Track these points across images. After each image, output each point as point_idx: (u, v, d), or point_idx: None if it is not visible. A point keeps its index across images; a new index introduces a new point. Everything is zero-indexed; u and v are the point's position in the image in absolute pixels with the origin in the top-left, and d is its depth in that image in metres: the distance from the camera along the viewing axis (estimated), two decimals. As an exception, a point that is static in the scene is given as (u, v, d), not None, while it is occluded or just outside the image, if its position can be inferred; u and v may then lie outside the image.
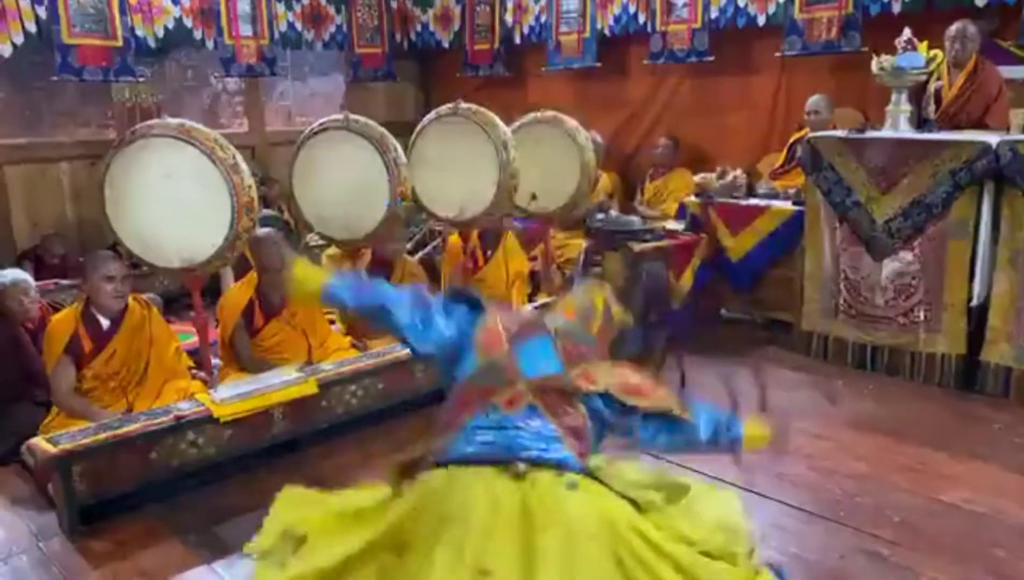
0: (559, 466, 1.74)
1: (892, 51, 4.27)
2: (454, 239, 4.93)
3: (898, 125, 4.29)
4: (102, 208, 3.45)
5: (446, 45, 7.44)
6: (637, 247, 4.84)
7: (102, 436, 3.01)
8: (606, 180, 6.09)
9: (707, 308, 5.19)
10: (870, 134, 4.32)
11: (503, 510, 1.64)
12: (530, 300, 4.89)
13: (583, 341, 2.05)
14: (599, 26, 6.35)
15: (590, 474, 1.80)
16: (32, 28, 5.25)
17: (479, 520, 1.62)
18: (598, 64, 6.41)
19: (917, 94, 4.43)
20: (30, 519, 3.08)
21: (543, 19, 6.72)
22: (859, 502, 3.05)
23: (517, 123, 4.76)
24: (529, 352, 1.95)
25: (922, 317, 4.18)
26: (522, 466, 1.71)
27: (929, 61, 4.27)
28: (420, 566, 1.61)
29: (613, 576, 1.63)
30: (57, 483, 2.97)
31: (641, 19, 6.12)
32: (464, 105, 4.31)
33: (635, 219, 5.42)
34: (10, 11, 5.16)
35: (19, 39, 5.21)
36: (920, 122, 4.40)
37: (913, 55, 4.22)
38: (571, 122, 4.77)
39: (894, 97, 4.31)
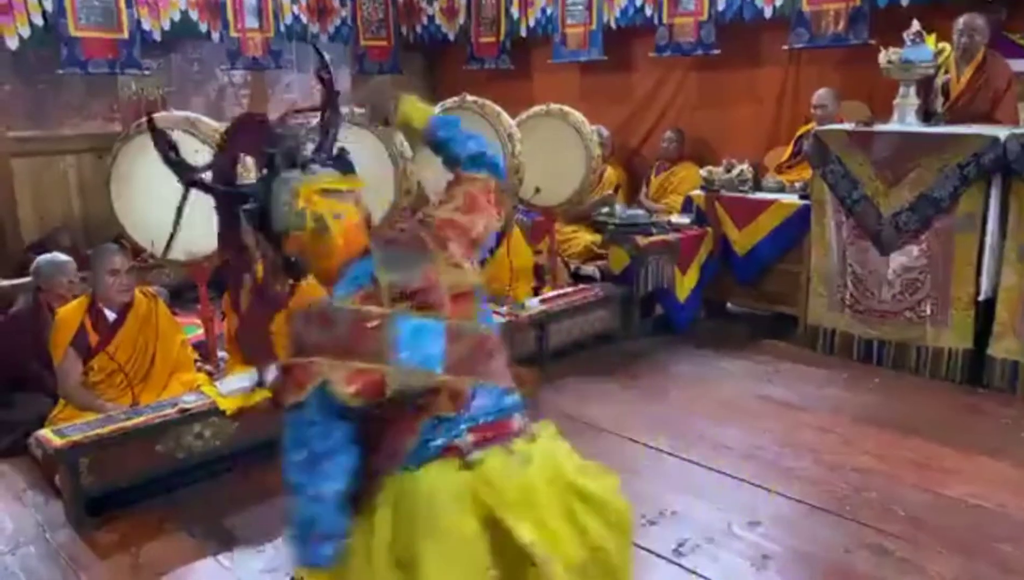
0: (509, 436, 1.57)
1: (900, 44, 4.25)
2: (460, 232, 4.91)
3: (905, 118, 4.27)
4: (108, 201, 3.45)
5: (452, 38, 7.42)
6: (642, 241, 4.84)
7: (108, 428, 3.02)
8: (611, 173, 6.08)
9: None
10: (877, 128, 4.30)
11: (472, 508, 1.49)
12: (535, 294, 4.88)
13: (412, 275, 1.58)
14: (605, 19, 6.32)
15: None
16: (38, 21, 5.25)
17: (454, 527, 1.48)
18: (604, 57, 6.38)
19: (925, 87, 4.41)
20: (37, 510, 3.10)
21: (549, 12, 6.69)
22: (865, 496, 3.05)
23: (522, 116, 4.74)
24: (408, 346, 1.51)
25: (929, 311, 4.16)
26: (474, 454, 1.52)
27: (937, 54, 4.24)
28: None
29: (571, 535, 1.53)
30: (64, 475, 2.98)
31: (648, 12, 6.09)
32: (470, 98, 4.30)
33: (640, 212, 5.41)
34: (16, 4, 5.16)
35: (25, 32, 5.22)
36: (928, 116, 4.38)
37: (921, 48, 4.19)
38: (576, 115, 4.75)
39: (902, 90, 4.29)
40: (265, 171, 1.63)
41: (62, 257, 3.93)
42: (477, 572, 1.47)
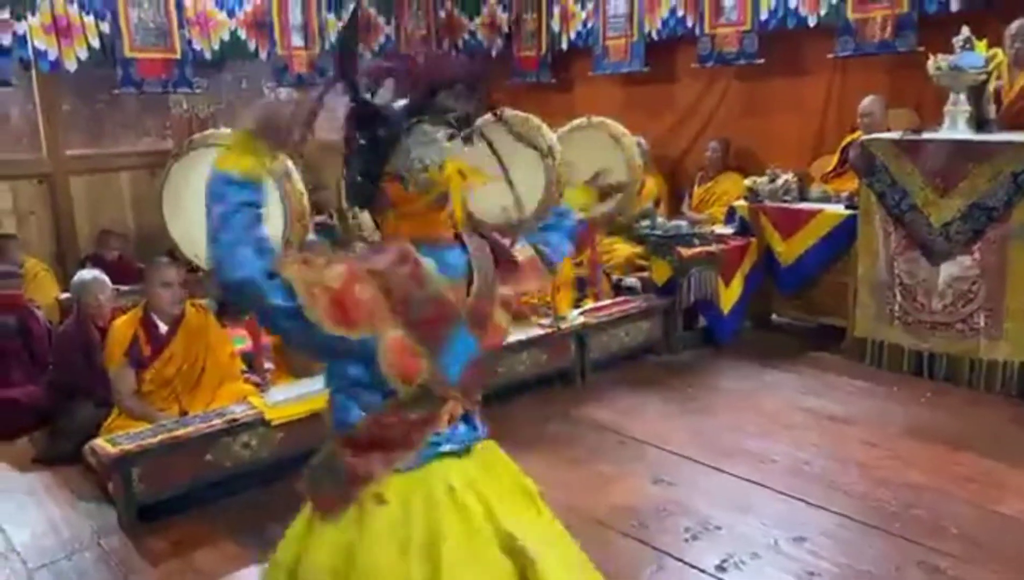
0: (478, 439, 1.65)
1: (949, 50, 4.16)
2: (500, 245, 4.93)
3: (956, 126, 4.17)
4: (160, 216, 3.56)
5: (493, 52, 7.48)
6: (685, 252, 4.80)
7: (160, 438, 3.10)
8: (652, 185, 6.05)
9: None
10: (926, 136, 4.21)
11: (479, 480, 1.58)
12: (577, 305, 4.87)
13: (485, 296, 1.58)
14: (647, 30, 6.31)
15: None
16: (96, 43, 5.45)
17: (465, 505, 1.52)
18: (646, 68, 6.38)
19: (976, 94, 4.30)
20: (91, 517, 3.19)
21: (590, 24, 6.71)
22: (915, 513, 2.98)
23: (563, 128, 4.75)
24: (453, 353, 1.52)
25: (982, 323, 4.05)
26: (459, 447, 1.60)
27: (989, 60, 4.14)
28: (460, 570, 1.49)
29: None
30: (117, 483, 3.07)
31: (689, 22, 6.07)
32: (510, 112, 4.33)
33: (683, 223, 5.38)
34: (75, 27, 5.36)
35: (84, 54, 5.41)
36: (981, 123, 4.27)
37: (971, 54, 4.10)
38: (617, 127, 4.75)
39: (952, 97, 4.20)
40: (412, 109, 1.53)
41: (89, 275, 4.08)
42: (493, 566, 1.51)
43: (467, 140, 1.57)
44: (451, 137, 1.53)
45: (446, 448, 1.56)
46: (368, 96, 1.56)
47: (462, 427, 1.60)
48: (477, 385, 1.63)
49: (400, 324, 1.43)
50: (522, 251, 1.80)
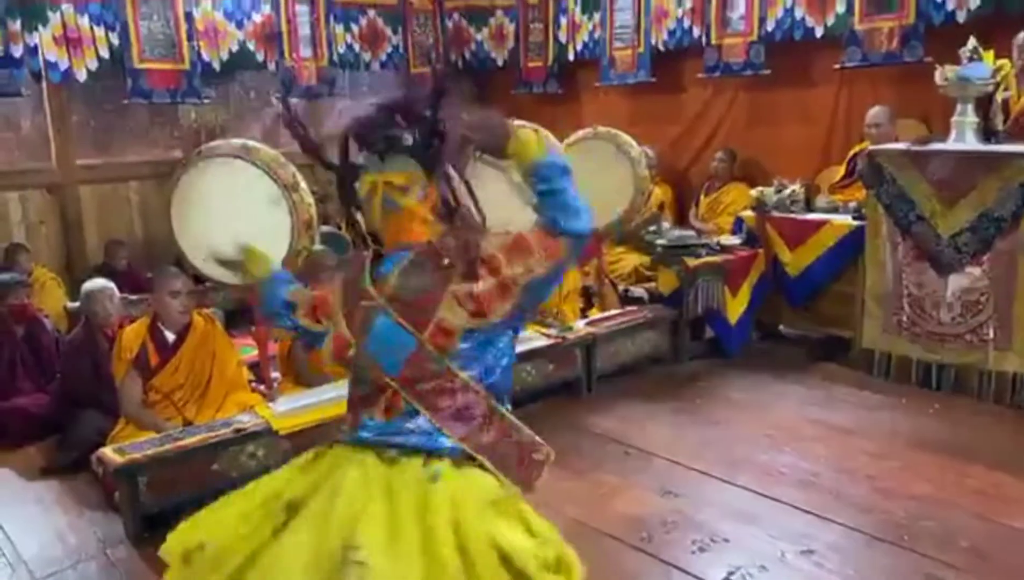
0: (430, 454, 1.64)
1: (956, 61, 4.16)
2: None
3: (964, 137, 4.16)
4: (168, 225, 3.57)
5: (500, 63, 7.51)
6: (692, 262, 4.80)
7: (166, 447, 3.10)
8: (658, 192, 6.05)
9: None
10: (934, 146, 4.21)
11: (371, 490, 1.61)
12: (583, 315, 4.88)
13: (420, 291, 1.69)
14: (653, 41, 6.32)
15: (470, 456, 1.66)
16: (105, 54, 5.49)
17: (349, 497, 1.60)
18: (653, 79, 6.38)
19: (984, 105, 4.30)
20: (98, 526, 3.20)
21: (597, 35, 6.73)
22: (924, 526, 2.96)
23: (570, 138, 4.76)
24: (378, 341, 1.71)
25: (991, 334, 4.03)
26: (393, 451, 1.66)
27: (996, 71, 4.14)
28: (293, 536, 1.60)
29: (457, 563, 1.52)
30: (123, 492, 3.07)
31: (696, 33, 6.08)
32: (518, 123, 4.33)
33: (690, 233, 5.37)
34: (85, 39, 5.41)
35: (93, 65, 5.46)
36: (989, 134, 4.26)
37: (979, 65, 4.10)
38: (624, 137, 4.75)
39: (959, 108, 4.19)
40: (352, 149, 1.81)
41: (97, 284, 4.08)
42: (327, 549, 1.55)
43: (408, 151, 1.73)
44: (382, 157, 1.73)
45: (365, 435, 1.70)
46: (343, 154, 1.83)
47: (409, 425, 1.68)
48: (431, 386, 1.67)
49: (344, 318, 1.80)
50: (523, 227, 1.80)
